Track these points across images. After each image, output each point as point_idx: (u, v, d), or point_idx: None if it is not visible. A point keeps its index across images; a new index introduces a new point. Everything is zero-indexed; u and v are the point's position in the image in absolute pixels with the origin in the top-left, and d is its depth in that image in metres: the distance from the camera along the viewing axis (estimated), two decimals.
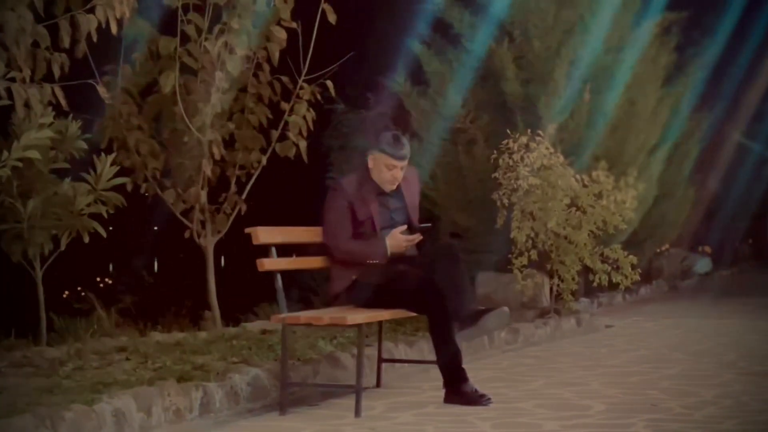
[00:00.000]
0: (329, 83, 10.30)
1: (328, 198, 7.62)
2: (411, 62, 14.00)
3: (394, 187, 7.62)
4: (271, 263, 7.22)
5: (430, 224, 7.80)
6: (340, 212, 7.47)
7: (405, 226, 7.58)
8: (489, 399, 7.27)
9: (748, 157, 27.68)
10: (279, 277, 7.23)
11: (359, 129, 16.58)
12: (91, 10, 8.26)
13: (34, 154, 7.88)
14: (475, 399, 7.25)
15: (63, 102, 8.24)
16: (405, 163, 7.57)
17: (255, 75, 10.19)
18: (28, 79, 8.08)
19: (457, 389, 7.34)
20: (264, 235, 7.25)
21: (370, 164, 7.58)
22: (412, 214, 7.74)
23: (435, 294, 7.22)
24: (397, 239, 7.49)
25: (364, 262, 7.46)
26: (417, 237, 7.56)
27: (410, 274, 7.38)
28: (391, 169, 7.52)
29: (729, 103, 23.55)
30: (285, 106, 10.29)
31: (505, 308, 7.33)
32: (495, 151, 11.91)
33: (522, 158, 11.59)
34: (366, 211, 7.49)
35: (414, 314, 7.54)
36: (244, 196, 10.35)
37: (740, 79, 23.92)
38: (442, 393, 7.41)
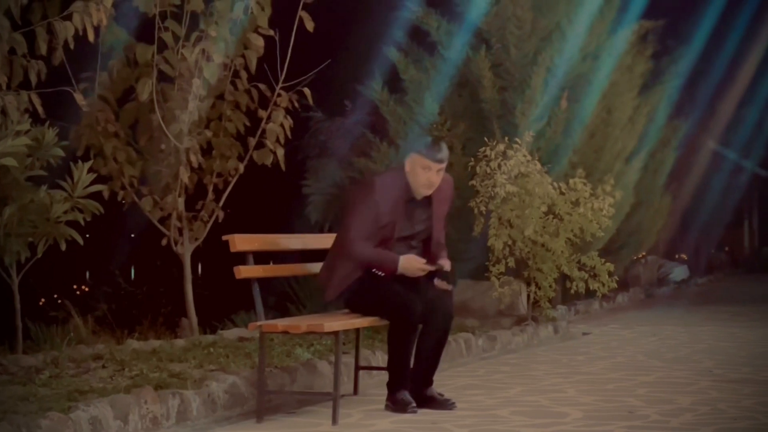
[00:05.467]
0: (307, 91, 10.30)
1: (358, 193, 7.56)
2: (388, 70, 14.00)
3: (429, 192, 7.48)
4: (248, 270, 7.21)
5: (448, 270, 7.59)
6: (365, 211, 7.34)
7: (425, 263, 7.41)
8: (414, 407, 7.29)
9: (723, 165, 27.83)
10: (256, 284, 7.23)
11: (337, 136, 16.60)
12: (68, 17, 8.24)
13: (10, 162, 7.84)
14: (402, 406, 7.30)
15: (40, 109, 8.22)
16: (441, 166, 7.43)
17: (232, 82, 10.18)
18: (4, 86, 8.05)
19: (390, 396, 7.41)
20: (241, 242, 7.25)
21: (408, 167, 7.44)
22: (436, 225, 7.60)
23: (402, 303, 7.24)
24: (412, 265, 7.37)
25: (369, 269, 7.44)
26: (430, 268, 7.42)
27: (392, 286, 7.36)
28: (427, 171, 7.38)
29: (705, 112, 23.68)
30: (262, 113, 10.28)
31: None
32: (472, 159, 11.92)
33: (499, 166, 11.61)
34: (390, 216, 7.37)
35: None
36: (221, 204, 10.33)
37: (716, 87, 24.06)
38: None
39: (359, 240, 7.34)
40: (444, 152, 7.45)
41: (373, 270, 7.40)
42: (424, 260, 7.42)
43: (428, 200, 7.55)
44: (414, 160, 7.42)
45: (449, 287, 7.57)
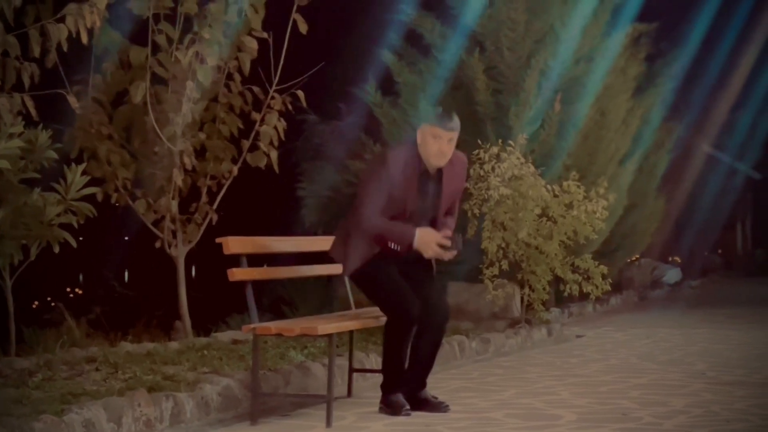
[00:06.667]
0: (300, 93, 10.30)
1: (372, 167, 7.50)
2: (382, 72, 14.00)
3: (441, 164, 7.37)
4: (241, 273, 7.21)
5: (461, 239, 7.51)
6: (379, 185, 7.25)
7: (440, 235, 7.33)
8: (408, 409, 7.30)
9: (717, 167, 27.88)
10: (250, 286, 7.22)
11: (331, 139, 16.59)
12: (62, 20, 8.24)
13: (3, 164, 7.83)
14: (396, 408, 7.31)
15: (33, 112, 8.21)
16: (452, 135, 7.33)
17: (226, 85, 10.18)
18: None
19: (384, 398, 7.42)
20: (235, 244, 7.24)
21: (419, 139, 7.36)
22: (446, 203, 7.51)
23: (400, 302, 7.23)
24: (429, 237, 7.28)
25: (385, 244, 7.36)
26: (446, 243, 7.28)
27: (395, 283, 7.34)
28: (438, 140, 7.29)
29: (698, 114, 23.72)
30: (256, 116, 10.28)
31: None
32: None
33: (493, 168, 11.61)
34: (402, 190, 7.28)
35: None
36: (215, 206, 10.33)
37: (710, 90, 24.11)
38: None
39: (373, 213, 7.25)
40: (455, 122, 7.38)
41: (389, 244, 7.34)
42: (440, 234, 7.34)
43: (441, 177, 7.44)
44: (424, 131, 7.35)
45: (452, 254, 7.44)
